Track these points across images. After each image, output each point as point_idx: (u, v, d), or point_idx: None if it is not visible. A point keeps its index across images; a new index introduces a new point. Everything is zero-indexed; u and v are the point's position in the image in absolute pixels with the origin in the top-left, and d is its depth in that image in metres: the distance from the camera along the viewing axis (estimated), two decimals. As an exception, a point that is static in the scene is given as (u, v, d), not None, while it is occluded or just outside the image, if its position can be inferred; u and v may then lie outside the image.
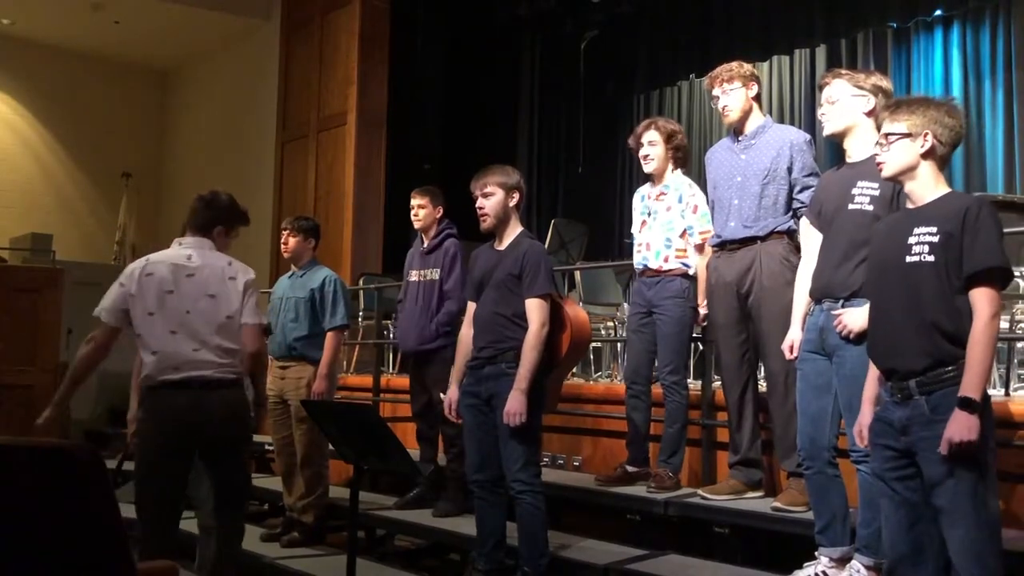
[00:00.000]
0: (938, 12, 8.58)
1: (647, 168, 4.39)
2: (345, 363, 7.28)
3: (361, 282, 7.64)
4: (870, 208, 3.10)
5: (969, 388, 2.39)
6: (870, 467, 2.67)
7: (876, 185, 3.11)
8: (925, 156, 2.60)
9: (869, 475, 3.04)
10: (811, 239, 3.37)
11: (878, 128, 3.20)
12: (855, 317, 3.01)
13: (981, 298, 2.44)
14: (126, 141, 10.73)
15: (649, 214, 4.38)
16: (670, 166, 4.37)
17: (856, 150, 3.25)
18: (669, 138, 4.33)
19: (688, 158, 4.48)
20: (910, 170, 2.63)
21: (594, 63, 10.31)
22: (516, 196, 3.74)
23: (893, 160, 2.65)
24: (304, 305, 4.87)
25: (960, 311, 2.46)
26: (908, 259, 2.54)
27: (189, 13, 9.49)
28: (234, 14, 9.72)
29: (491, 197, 3.69)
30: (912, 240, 2.54)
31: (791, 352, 3.36)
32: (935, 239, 2.50)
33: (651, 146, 4.34)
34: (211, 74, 10.72)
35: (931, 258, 2.50)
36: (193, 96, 11.00)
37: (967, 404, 2.37)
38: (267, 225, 9.46)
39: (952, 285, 2.47)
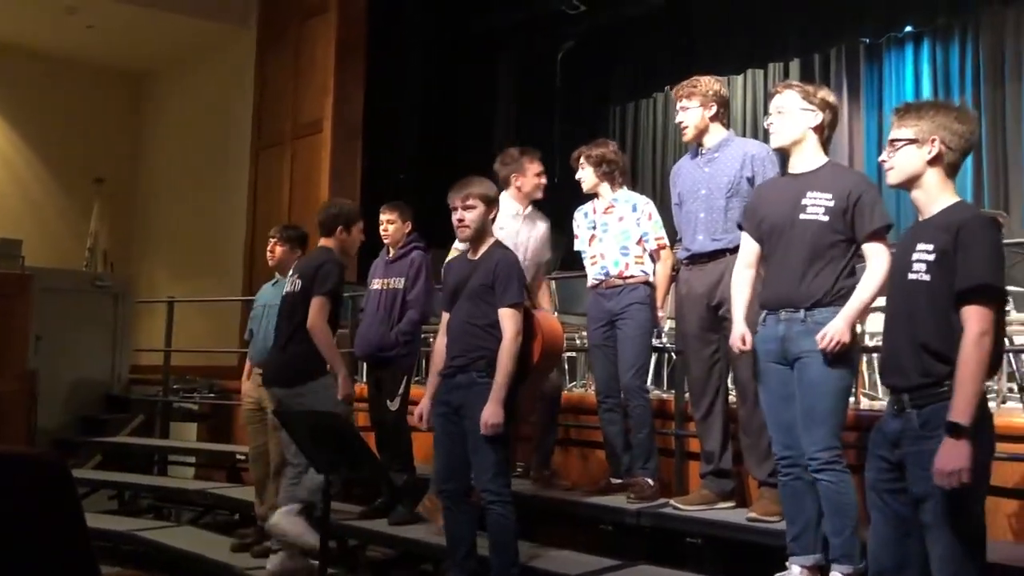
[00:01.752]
0: (909, 28, 8.76)
1: (584, 188, 4.48)
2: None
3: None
4: (825, 219, 3.15)
5: (957, 412, 2.30)
6: (866, 477, 2.62)
7: (829, 195, 3.17)
8: (932, 163, 2.51)
9: (833, 483, 3.07)
10: (748, 247, 3.44)
11: (823, 143, 3.28)
12: (840, 328, 3.06)
13: (970, 316, 2.35)
14: (99, 146, 10.61)
15: (596, 227, 4.43)
16: (606, 184, 4.44)
17: (801, 162, 3.30)
18: (599, 163, 4.41)
19: (627, 173, 4.59)
20: (916, 178, 2.54)
21: (570, 75, 10.35)
22: (495, 210, 3.78)
23: (899, 167, 2.56)
24: None
25: (954, 329, 2.38)
26: (909, 276, 2.49)
27: (164, 18, 9.41)
28: (210, 20, 9.65)
29: (473, 210, 3.70)
30: (914, 257, 2.49)
31: (743, 343, 3.40)
32: (931, 257, 2.44)
33: (581, 169, 4.46)
34: (186, 80, 10.64)
35: (927, 277, 2.44)
36: (168, 102, 10.91)
37: (955, 430, 2.29)
38: (240, 232, 9.40)
39: (946, 303, 2.39)
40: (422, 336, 6.75)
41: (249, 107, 9.58)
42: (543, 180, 4.67)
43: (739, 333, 3.42)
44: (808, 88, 3.33)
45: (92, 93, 10.63)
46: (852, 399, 3.90)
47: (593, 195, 4.52)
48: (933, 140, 2.51)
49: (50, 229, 10.22)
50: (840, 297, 3.14)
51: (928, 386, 2.43)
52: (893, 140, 2.58)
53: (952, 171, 2.55)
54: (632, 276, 4.30)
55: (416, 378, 6.53)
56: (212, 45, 10.05)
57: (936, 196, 2.53)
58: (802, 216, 3.18)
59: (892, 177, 2.59)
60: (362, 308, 5.14)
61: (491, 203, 3.75)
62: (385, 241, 4.95)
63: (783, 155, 3.39)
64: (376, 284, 4.92)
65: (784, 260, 3.23)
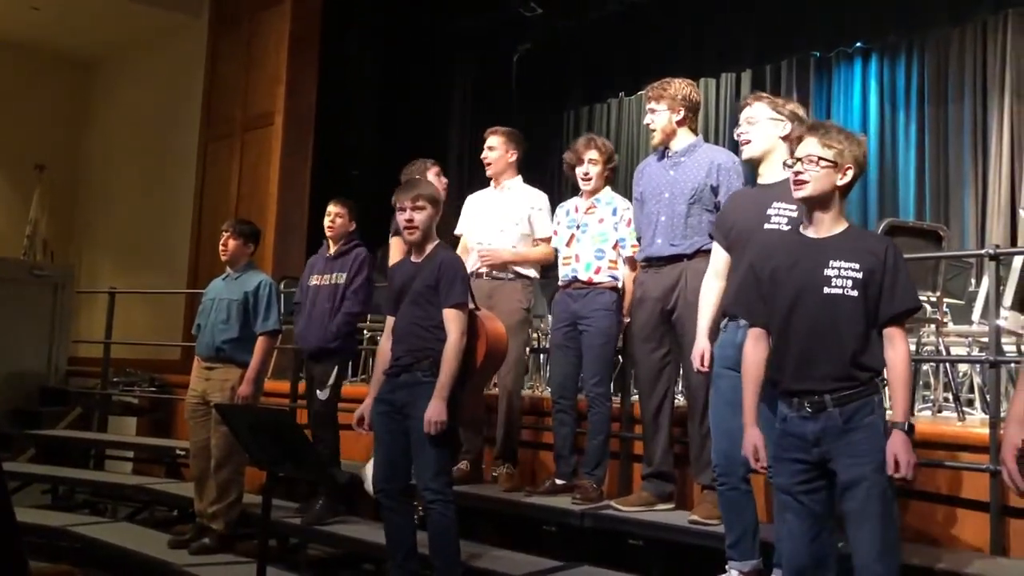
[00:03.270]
0: (858, 44, 8.96)
1: (586, 187, 4.39)
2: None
3: (282, 286, 7.52)
4: (787, 229, 3.16)
5: (901, 415, 2.58)
6: (775, 482, 2.73)
7: (793, 207, 3.17)
8: (840, 188, 2.70)
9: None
10: (717, 256, 3.44)
11: (791, 153, 3.31)
12: None
13: (898, 335, 2.62)
14: (41, 132, 10.34)
15: (578, 227, 4.41)
16: (606, 184, 4.43)
17: (770, 173, 3.32)
18: (609, 159, 4.39)
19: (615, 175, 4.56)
20: (826, 198, 2.70)
21: (527, 78, 10.39)
22: (439, 212, 3.83)
23: (816, 184, 2.69)
24: (236, 307, 4.83)
25: (873, 341, 2.62)
26: (827, 290, 2.63)
27: (114, 4, 9.21)
28: (161, 8, 9.47)
29: (422, 211, 3.71)
30: (831, 272, 2.63)
31: (702, 363, 3.41)
32: (858, 275, 2.61)
33: (592, 164, 4.36)
34: (135, 69, 10.43)
35: (854, 293, 2.61)
36: (115, 90, 10.68)
37: (907, 429, 2.56)
38: (187, 224, 9.25)
39: (870, 319, 2.61)
40: (368, 335, 6.71)
41: (199, 98, 9.43)
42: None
43: (699, 349, 3.44)
44: (777, 100, 3.37)
45: (35, 78, 10.36)
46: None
47: (575, 192, 4.52)
48: (847, 169, 2.70)
49: (-12, 216, 9.96)
50: None
51: (849, 388, 2.60)
52: (818, 157, 2.69)
53: (845, 196, 2.75)
54: (601, 282, 4.29)
55: (353, 378, 6.52)
56: (162, 33, 9.88)
57: (836, 217, 2.72)
58: (766, 226, 3.19)
59: (807, 190, 2.71)
60: (297, 301, 5.11)
61: (437, 205, 3.79)
62: (328, 234, 4.92)
63: (753, 166, 3.41)
64: (314, 280, 4.90)
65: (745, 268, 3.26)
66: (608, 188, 4.44)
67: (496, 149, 4.79)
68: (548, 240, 4.63)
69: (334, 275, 4.82)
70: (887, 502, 2.56)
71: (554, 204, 4.71)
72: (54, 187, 10.10)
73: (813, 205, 2.73)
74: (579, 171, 4.38)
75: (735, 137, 3.45)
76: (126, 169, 10.18)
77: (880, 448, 2.55)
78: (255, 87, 8.89)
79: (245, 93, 8.97)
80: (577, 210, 4.45)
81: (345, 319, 4.74)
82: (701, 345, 3.43)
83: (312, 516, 4.67)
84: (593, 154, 4.36)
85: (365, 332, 6.75)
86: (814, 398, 2.61)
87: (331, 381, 4.71)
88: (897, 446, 2.54)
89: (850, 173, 2.70)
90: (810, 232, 2.74)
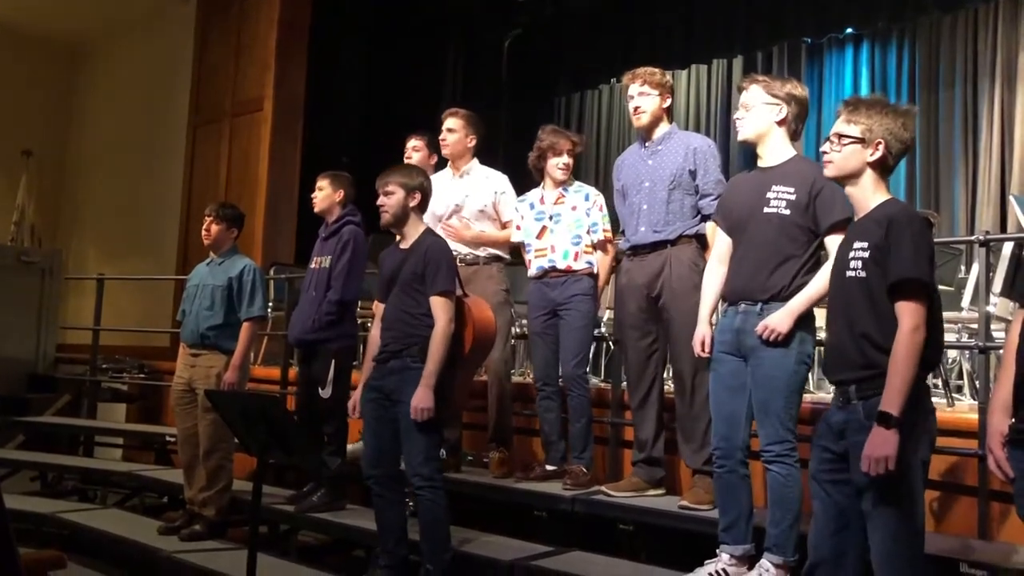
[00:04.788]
0: (849, 31, 8.96)
1: (563, 177, 4.45)
2: (253, 354, 7.13)
3: (272, 272, 7.49)
4: (787, 212, 3.16)
5: (886, 402, 2.38)
6: (809, 467, 2.67)
7: (792, 189, 3.17)
8: (872, 164, 2.57)
9: (782, 475, 3.12)
10: (720, 241, 3.44)
11: (790, 135, 3.30)
12: (780, 319, 3.08)
13: (902, 311, 2.42)
14: (29, 117, 10.24)
15: (550, 218, 4.43)
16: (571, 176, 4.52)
17: (768, 156, 3.31)
18: (576, 156, 4.49)
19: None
20: (854, 176, 2.60)
21: (516, 64, 10.33)
22: (417, 197, 3.80)
23: (840, 163, 2.61)
24: (221, 293, 4.77)
25: (892, 322, 2.43)
26: (848, 274, 2.55)
27: (101, -12, 9.15)
28: (150, -8, 9.42)
29: (392, 196, 3.75)
30: (851, 255, 2.55)
31: (702, 348, 3.41)
32: (866, 254, 2.51)
33: (569, 155, 4.44)
34: (124, 53, 10.34)
35: (863, 274, 2.50)
36: (103, 75, 10.59)
37: (883, 419, 2.37)
38: (175, 210, 9.20)
39: (882, 297, 2.45)
40: (358, 321, 6.67)
41: (187, 83, 9.36)
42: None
43: (700, 335, 3.42)
44: (774, 82, 3.32)
45: (23, 63, 10.25)
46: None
47: (538, 184, 4.54)
48: (878, 144, 2.56)
49: (-27, 202, 9.88)
50: (798, 292, 3.15)
51: (872, 378, 2.46)
52: (841, 135, 2.61)
53: (887, 173, 2.61)
54: (579, 269, 4.32)
55: (355, 363, 6.48)
56: (152, 19, 9.79)
57: (871, 195, 2.59)
58: (765, 210, 3.19)
59: (831, 170, 2.64)
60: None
61: (412, 190, 3.78)
62: (315, 209, 4.82)
63: (750, 149, 3.39)
64: (313, 263, 4.79)
65: (746, 253, 3.25)
66: (573, 179, 4.52)
67: (456, 132, 4.76)
68: (510, 223, 4.64)
69: (324, 258, 4.69)
70: (901, 508, 2.40)
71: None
72: (41, 173, 10.03)
73: (844, 184, 2.65)
74: (559, 161, 4.42)
75: (734, 122, 3.44)
76: (114, 155, 10.11)
77: None
78: (244, 72, 8.83)
79: (234, 78, 8.91)
80: (543, 201, 4.47)
81: (328, 308, 4.54)
82: (702, 331, 3.42)
83: (304, 505, 4.61)
84: (569, 145, 4.43)
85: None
86: (844, 388, 2.55)
87: (331, 377, 4.49)
88: (868, 442, 2.38)
89: (881, 148, 2.55)
90: (855, 213, 2.66)
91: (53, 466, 6.54)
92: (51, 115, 10.60)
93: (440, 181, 4.79)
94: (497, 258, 4.71)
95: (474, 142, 4.78)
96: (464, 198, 4.71)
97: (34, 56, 10.43)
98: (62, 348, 8.24)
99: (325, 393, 4.51)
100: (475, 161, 4.83)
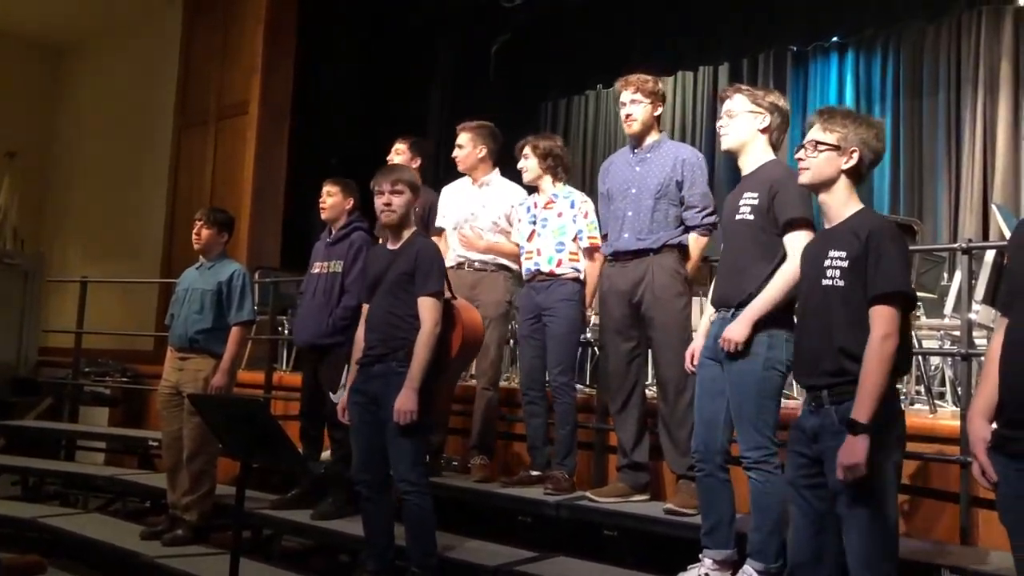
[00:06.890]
0: (835, 39, 9.02)
1: (525, 179, 4.54)
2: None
3: (257, 276, 7.46)
4: (751, 218, 3.21)
5: (857, 410, 2.43)
6: (786, 473, 2.71)
7: (756, 195, 3.21)
8: (847, 172, 2.63)
9: (760, 482, 3.13)
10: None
11: (772, 145, 3.33)
12: (736, 329, 3.10)
13: (876, 319, 2.47)
14: (12, 118, 10.16)
15: (536, 222, 4.44)
16: (548, 177, 4.48)
17: (747, 164, 3.34)
18: (544, 156, 4.46)
19: (569, 169, 4.64)
20: (829, 183, 2.66)
21: (505, 68, 10.36)
22: (418, 199, 3.81)
23: (816, 170, 2.66)
24: (210, 298, 4.76)
25: (860, 331, 2.48)
26: (823, 282, 2.59)
27: (87, -11, 9.10)
28: (135, -7, 9.37)
29: (400, 195, 3.70)
30: (827, 263, 2.59)
31: (690, 361, 3.43)
32: (844, 264, 2.55)
33: (524, 159, 4.49)
34: (108, 55, 10.28)
35: (841, 283, 2.55)
36: (88, 76, 10.52)
37: (852, 426, 2.42)
38: (160, 213, 9.14)
39: (860, 306, 2.50)
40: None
41: (173, 84, 9.30)
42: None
43: (691, 349, 3.46)
44: (757, 92, 3.35)
45: (6, 63, 10.18)
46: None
47: (533, 188, 4.56)
48: (853, 152, 2.63)
49: (-44, 203, 9.78)
50: None
51: (845, 383, 2.51)
52: (817, 142, 2.66)
53: (859, 181, 2.68)
54: (563, 274, 4.33)
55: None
56: (137, 19, 9.74)
57: (844, 202, 2.65)
58: (736, 217, 3.24)
59: (805, 177, 2.69)
60: (301, 292, 5.01)
61: (416, 191, 3.77)
62: (323, 216, 4.81)
63: (733, 157, 3.41)
64: (316, 268, 4.77)
65: (724, 260, 3.33)
66: (564, 184, 4.52)
67: (464, 147, 4.76)
68: None
69: (332, 263, 4.68)
70: (874, 510, 2.44)
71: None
72: (25, 174, 9.94)
73: (817, 191, 2.70)
74: (519, 165, 4.53)
75: (717, 129, 3.46)
76: (99, 157, 10.04)
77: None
78: (230, 74, 8.78)
79: (220, 80, 8.86)
80: (536, 205, 4.50)
81: (342, 313, 4.56)
82: (694, 344, 3.46)
83: (318, 512, 4.52)
84: (526, 150, 4.50)
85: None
86: (816, 393, 2.58)
87: (344, 381, 4.44)
88: (840, 450, 2.43)
89: (856, 156, 2.62)
90: (826, 222, 2.71)
91: (34, 470, 6.49)
92: (35, 117, 10.52)
93: (459, 190, 4.81)
94: (506, 268, 4.69)
95: (485, 152, 4.75)
96: (480, 208, 4.71)
97: (18, 57, 10.35)
98: (44, 351, 8.18)
99: (336, 397, 4.49)
100: (495, 172, 4.82)
